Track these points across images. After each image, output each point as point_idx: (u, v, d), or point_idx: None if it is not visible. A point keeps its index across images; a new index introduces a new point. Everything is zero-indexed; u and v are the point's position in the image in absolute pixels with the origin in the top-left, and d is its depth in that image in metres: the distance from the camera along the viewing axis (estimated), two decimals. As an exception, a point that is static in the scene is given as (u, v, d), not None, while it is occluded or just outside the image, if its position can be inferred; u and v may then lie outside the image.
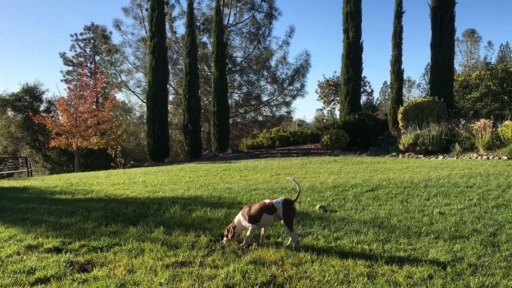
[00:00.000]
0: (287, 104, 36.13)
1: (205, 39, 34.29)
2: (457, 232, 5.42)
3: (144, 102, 30.24)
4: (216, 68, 23.64)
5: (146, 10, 29.24)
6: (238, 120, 37.14)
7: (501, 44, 74.94)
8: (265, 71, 35.24)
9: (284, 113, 37.41)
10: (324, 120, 41.45)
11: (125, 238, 5.38)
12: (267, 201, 5.16)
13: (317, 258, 4.61)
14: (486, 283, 3.89)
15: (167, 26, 31.04)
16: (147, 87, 23.39)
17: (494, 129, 15.85)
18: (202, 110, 30.29)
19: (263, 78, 35.69)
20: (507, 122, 15.68)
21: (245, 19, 34.59)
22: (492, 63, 32.74)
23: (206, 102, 33.31)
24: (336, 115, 40.62)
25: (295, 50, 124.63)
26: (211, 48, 26.19)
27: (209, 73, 31.60)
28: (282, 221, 5.03)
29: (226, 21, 33.49)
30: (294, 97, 35.45)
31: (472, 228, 5.60)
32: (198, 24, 33.04)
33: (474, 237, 5.21)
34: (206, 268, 4.34)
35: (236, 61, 35.32)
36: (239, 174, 12.25)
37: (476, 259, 4.50)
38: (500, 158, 13.89)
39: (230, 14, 34.08)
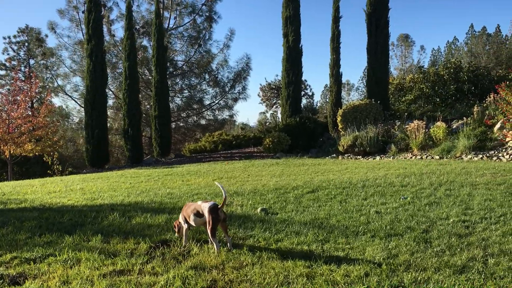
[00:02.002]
0: (230, 107, 36.21)
1: (145, 42, 33.77)
2: (392, 230, 5.62)
3: (82, 107, 29.32)
4: (157, 72, 23.32)
5: (83, 12, 28.37)
6: (181, 124, 36.78)
7: (433, 48, 78.65)
8: (206, 74, 35.14)
9: (227, 117, 37.46)
10: (267, 123, 41.85)
11: (60, 248, 5.18)
12: (199, 202, 5.17)
13: (258, 260, 4.64)
14: (419, 279, 4.05)
15: (105, 29, 30.26)
16: (85, 92, 22.72)
17: (427, 130, 16.58)
18: (144, 115, 29.76)
19: (204, 82, 35.58)
20: (438, 123, 16.45)
21: (186, 23, 34.38)
22: (424, 66, 34.25)
23: (148, 106, 32.74)
24: (278, 118, 41.05)
25: (236, 53, 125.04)
26: (151, 51, 25.81)
27: (150, 77, 31.09)
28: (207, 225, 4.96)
29: (167, 25, 33.13)
30: (236, 100, 35.59)
31: (406, 225, 5.82)
32: (137, 27, 32.47)
33: (408, 234, 5.42)
34: (145, 276, 4.26)
35: (177, 65, 35.00)
36: (181, 178, 12.13)
37: (410, 255, 4.68)
38: (432, 158, 14.54)
39: (170, 17, 33.78)
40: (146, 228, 6.04)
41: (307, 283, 4.01)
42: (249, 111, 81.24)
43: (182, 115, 36.01)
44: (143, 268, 4.47)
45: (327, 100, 33.47)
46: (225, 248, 5.01)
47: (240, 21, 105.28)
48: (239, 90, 35.41)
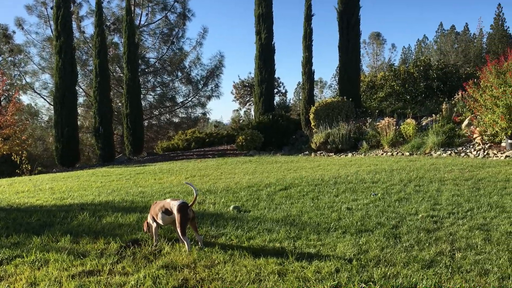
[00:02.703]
0: (203, 105, 36.02)
1: (116, 39, 33.26)
2: (363, 226, 5.69)
3: (51, 105, 28.72)
4: (128, 69, 23.02)
5: (51, 8, 27.75)
6: (153, 122, 36.42)
7: (404, 46, 79.79)
8: (179, 72, 34.87)
9: (200, 114, 37.26)
10: (241, 121, 41.77)
11: (28, 249, 5.08)
12: (168, 200, 5.13)
13: (230, 258, 4.64)
14: (388, 274, 4.11)
15: (75, 26, 29.73)
16: (54, 89, 22.26)
17: (397, 127, 16.84)
18: (115, 113, 29.35)
19: (177, 79, 35.31)
20: (408, 120, 16.72)
21: (158, 20, 34.00)
22: (395, 64, 34.79)
23: (119, 104, 32.27)
24: (252, 115, 41.09)
25: (209, 51, 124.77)
26: (122, 48, 25.46)
27: (121, 75, 30.64)
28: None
29: (138, 21, 32.72)
30: (209, 98, 35.42)
31: (377, 221, 5.91)
32: (108, 24, 31.95)
33: (378, 230, 5.50)
34: (115, 276, 4.21)
35: (149, 62, 34.63)
36: (153, 177, 12.02)
37: (380, 251, 4.75)
38: (403, 154, 14.78)
39: (142, 14, 33.36)
40: (116, 227, 5.97)
41: (278, 280, 4.03)
42: (223, 109, 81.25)
43: (154, 113, 35.66)
44: (113, 268, 4.42)
45: (300, 97, 33.71)
46: (196, 247, 4.99)
47: (213, 18, 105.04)
48: (212, 87, 35.26)
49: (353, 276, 4.08)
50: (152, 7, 33.60)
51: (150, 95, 35.34)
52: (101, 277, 4.18)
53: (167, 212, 5.03)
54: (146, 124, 33.49)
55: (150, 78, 35.10)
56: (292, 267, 4.33)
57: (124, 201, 8.01)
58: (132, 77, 23.02)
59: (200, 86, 35.18)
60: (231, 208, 7.00)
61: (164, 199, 7.91)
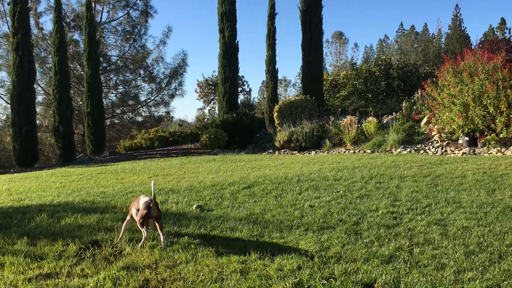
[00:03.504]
0: (166, 104, 35.62)
1: (76, 36, 32.47)
2: (325, 223, 5.76)
3: (9, 103, 27.78)
4: (89, 67, 22.53)
5: (8, 4, 26.84)
6: (116, 121, 35.78)
7: (366, 46, 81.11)
8: (142, 70, 34.36)
9: (163, 113, 36.84)
10: (205, 120, 41.55)
11: (-18, 253, 4.91)
12: (141, 197, 5.21)
13: (192, 258, 4.61)
14: (349, 270, 4.18)
15: (33, 22, 28.88)
16: (12, 87, 21.55)
17: (359, 125, 17.11)
18: (76, 111, 28.70)
19: (140, 78, 34.79)
20: (370, 119, 17.02)
21: (120, 17, 33.40)
22: (358, 64, 35.26)
23: (80, 102, 31.53)
24: (216, 114, 40.96)
25: (173, 49, 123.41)
26: (83, 46, 24.88)
27: (82, 72, 29.97)
28: None
29: (99, 18, 32.06)
30: (172, 96, 35.05)
31: (338, 218, 5.99)
32: (68, 20, 31.18)
33: (340, 227, 5.57)
34: (74, 278, 4.11)
35: (111, 60, 33.99)
36: (115, 177, 11.82)
37: (341, 247, 4.82)
38: (364, 152, 15.03)
39: (103, 11, 32.69)
40: (76, 228, 5.84)
41: (240, 279, 4.03)
42: (187, 108, 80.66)
43: (117, 111, 35.04)
44: (72, 271, 4.32)
45: (264, 96, 33.75)
46: (158, 247, 4.93)
47: (177, 16, 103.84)
48: (175, 86, 34.91)
49: (314, 273, 4.12)
50: (114, 4, 33.00)
51: (112, 93, 34.70)
52: (59, 280, 4.08)
53: (137, 207, 5.11)
54: (108, 123, 32.89)
55: (112, 76, 34.48)
56: (255, 265, 4.34)
57: (85, 201, 7.84)
58: (93, 75, 22.55)
59: (163, 85, 34.78)
60: (194, 207, 6.96)
61: (126, 199, 7.85)
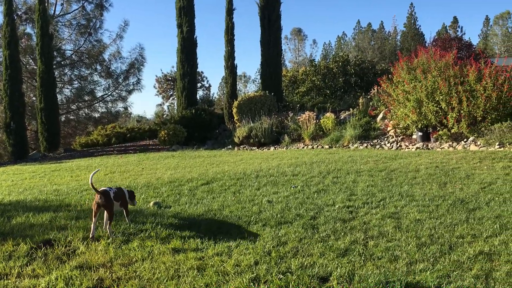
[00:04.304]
0: (124, 99, 34.95)
1: (29, 29, 31.36)
2: (283, 218, 5.80)
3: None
4: (42, 62, 21.83)
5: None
6: (71, 117, 34.82)
7: (324, 42, 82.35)
8: (98, 65, 33.55)
9: (121, 109, 36.15)
10: (165, 115, 41.07)
11: None
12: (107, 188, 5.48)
13: (149, 256, 4.55)
14: (305, 264, 4.22)
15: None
16: (-41, 82, 20.68)
17: (317, 120, 17.31)
18: (29, 107, 27.75)
19: (96, 73, 33.96)
20: (328, 114, 17.25)
21: (74, 10, 32.48)
22: (316, 60, 35.70)
23: (34, 98, 30.55)
24: (175, 110, 40.57)
25: (130, 44, 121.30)
26: (35, 39, 24.08)
27: (35, 67, 28.99)
28: None
29: (53, 11, 31.10)
30: (130, 92, 34.43)
31: (296, 213, 6.04)
32: (19, 13, 30.09)
33: (297, 222, 5.62)
34: (24, 279, 3.98)
35: (65, 54, 33.04)
36: (70, 174, 11.53)
37: (298, 242, 4.87)
38: (323, 147, 15.23)
39: (56, 3, 31.70)
40: (27, 228, 5.65)
41: (197, 276, 4.01)
42: (146, 104, 79.47)
43: (72, 107, 34.12)
44: (22, 271, 4.18)
45: (224, 92, 33.61)
46: (113, 245, 4.85)
47: (134, 10, 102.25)
48: (133, 81, 34.29)
49: (271, 267, 4.14)
50: (68, -3, 32.07)
51: (67, 88, 33.76)
52: (9, 281, 3.94)
53: None
54: (63, 119, 32.00)
55: (67, 71, 33.52)
56: (212, 262, 4.33)
57: (37, 200, 7.60)
58: (46, 69, 21.87)
59: (120, 80, 34.10)
60: (151, 204, 6.87)
61: (81, 197, 7.69)
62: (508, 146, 11.23)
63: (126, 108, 36.46)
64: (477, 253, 4.34)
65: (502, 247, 4.51)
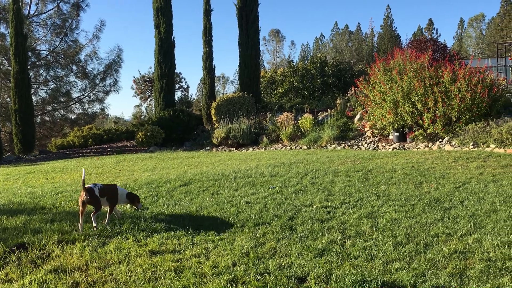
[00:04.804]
0: (101, 100, 34.52)
1: (3, 29, 30.72)
2: (261, 219, 5.80)
3: None
4: (16, 62, 21.42)
5: None
6: (47, 118, 34.24)
7: (303, 44, 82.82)
8: (74, 65, 33.07)
9: (98, 110, 35.70)
10: (143, 117, 40.70)
11: None
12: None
13: (125, 258, 4.50)
14: (283, 264, 4.23)
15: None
16: None
17: (295, 121, 17.39)
18: (3, 108, 27.27)
19: (72, 74, 33.46)
20: (306, 115, 17.34)
21: (50, 10, 31.96)
22: (295, 61, 35.88)
23: (8, 99, 29.98)
24: (153, 111, 40.23)
25: (107, 44, 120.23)
26: (9, 39, 23.62)
27: (9, 67, 28.46)
28: None
29: (27, 11, 30.56)
30: (107, 93, 34.03)
31: (274, 214, 6.05)
32: (-8, 12, 29.52)
33: (275, 222, 5.63)
34: (-3, 284, 3.91)
35: (41, 55, 32.48)
36: (45, 176, 11.34)
37: (276, 242, 4.87)
38: (301, 148, 15.30)
39: (31, 3, 31.14)
40: (0, 231, 5.53)
41: (174, 278, 3.98)
42: (124, 105, 78.74)
43: (47, 108, 33.55)
44: (-5, 276, 4.09)
45: (202, 93, 33.38)
46: (88, 248, 4.78)
47: (111, 11, 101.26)
48: (110, 82, 33.90)
49: (249, 268, 4.14)
50: (43, -4, 31.56)
51: (43, 89, 33.20)
52: (-19, 286, 3.86)
53: None
54: (38, 120, 31.48)
55: (42, 71, 32.95)
56: (190, 263, 4.30)
57: (11, 203, 7.45)
58: (20, 70, 21.47)
59: (97, 81, 33.68)
60: (128, 206, 6.79)
61: (56, 199, 7.57)
62: (482, 146, 11.45)
63: (103, 109, 36.03)
64: (452, 252, 4.41)
65: (476, 245, 4.59)
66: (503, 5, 57.82)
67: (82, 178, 5.69)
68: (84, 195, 5.44)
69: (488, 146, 11.24)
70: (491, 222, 5.34)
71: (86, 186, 5.58)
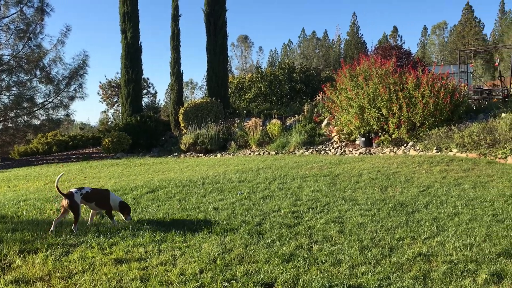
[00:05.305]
0: (66, 106, 33.64)
1: (-38, 33, 29.82)
2: (228, 225, 5.78)
3: None
4: (-23, 67, 20.84)
5: None
6: (9, 124, 33.18)
7: (271, 50, 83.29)
8: (38, 71, 32.13)
9: (63, 116, 34.78)
10: (110, 123, 40.12)
11: None
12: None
13: (90, 267, 4.41)
14: (250, 270, 4.22)
15: None
16: None
17: (264, 127, 17.44)
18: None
19: (36, 79, 32.53)
20: (274, 121, 17.42)
21: (12, 14, 31.01)
22: (263, 67, 36.03)
23: (-33, 105, 29.06)
24: (120, 117, 39.67)
25: (73, 49, 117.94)
26: (-31, 43, 22.92)
27: (-31, 72, 27.65)
28: None
29: (-11, 15, 29.71)
30: (72, 99, 33.18)
31: (242, 219, 6.04)
32: (-48, 16, 28.55)
33: (243, 228, 5.62)
34: (-46, 297, 3.77)
35: (3, 60, 31.52)
36: (7, 184, 11.02)
37: (243, 248, 4.86)
38: (269, 153, 15.35)
39: (-7, 6, 30.32)
40: (-41, 242, 5.34)
41: (141, 286, 3.93)
42: (91, 111, 77.28)
43: (10, 114, 32.53)
44: (-48, 289, 3.95)
45: (170, 98, 33.05)
46: (51, 257, 4.66)
47: (77, 15, 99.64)
48: (75, 88, 33.06)
49: (216, 275, 4.11)
50: (5, 0, 30.75)
51: (5, 95, 32.18)
52: None
53: None
54: (0, 127, 30.55)
55: (4, 76, 31.97)
56: (156, 271, 4.25)
57: (-30, 212, 7.21)
58: (-19, 75, 20.88)
59: (62, 86, 32.85)
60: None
61: (18, 207, 7.38)
62: (445, 150, 11.73)
63: (68, 116, 35.15)
64: (416, 255, 4.49)
65: (439, 248, 4.69)
66: (464, 13, 59.75)
67: (56, 184, 5.79)
68: (64, 200, 5.65)
69: (451, 151, 11.52)
70: (454, 225, 5.47)
71: (68, 191, 5.77)
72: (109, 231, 5.60)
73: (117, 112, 41.09)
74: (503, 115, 12.55)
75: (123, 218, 6.10)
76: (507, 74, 19.81)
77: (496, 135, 11.15)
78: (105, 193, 6.10)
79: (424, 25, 77.23)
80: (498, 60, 25.85)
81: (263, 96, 24.96)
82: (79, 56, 33.03)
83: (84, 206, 6.12)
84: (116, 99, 38.73)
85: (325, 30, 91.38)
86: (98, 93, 38.93)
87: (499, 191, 7.16)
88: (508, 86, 16.84)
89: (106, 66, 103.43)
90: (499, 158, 10.17)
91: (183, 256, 4.67)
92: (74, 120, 39.70)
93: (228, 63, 24.38)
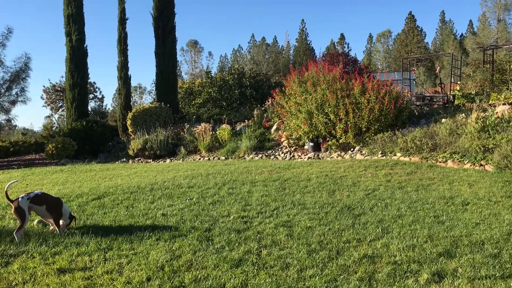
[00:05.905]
0: (7, 111, 32.29)
1: None
2: (177, 232, 5.71)
3: None
4: None
5: None
6: None
7: (221, 55, 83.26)
8: (-23, 74, 30.89)
9: (4, 121, 33.42)
10: (54, 128, 38.78)
11: None
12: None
13: (31, 278, 4.24)
14: (199, 276, 4.19)
15: None
16: None
17: (214, 132, 17.39)
18: None
19: (-25, 82, 31.22)
20: (224, 126, 17.40)
21: None
22: (213, 72, 35.97)
23: None
24: (66, 122, 38.41)
25: (15, 52, 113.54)
26: None
27: None
28: None
29: None
30: (14, 103, 31.89)
31: (191, 225, 5.98)
32: None
33: (192, 234, 5.57)
34: None
35: None
36: None
37: (192, 255, 4.82)
38: (219, 158, 15.30)
39: None
40: None
41: (85, 296, 3.81)
42: (34, 115, 74.55)
43: None
44: None
45: (118, 103, 32.37)
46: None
47: (19, 18, 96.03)
48: (17, 92, 31.84)
49: (164, 283, 4.05)
50: None
51: None
52: None
53: None
54: None
55: None
56: (101, 281, 4.14)
57: None
58: None
59: (3, 90, 31.59)
60: (35, 222, 6.42)
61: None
62: (389, 154, 12.09)
63: (9, 121, 33.75)
64: (362, 257, 4.60)
65: (384, 249, 4.82)
66: (407, 22, 62.01)
67: (5, 189, 5.82)
68: (13, 205, 5.63)
69: (395, 155, 11.89)
70: (398, 226, 5.64)
71: (18, 196, 5.74)
72: (52, 240, 5.41)
73: (62, 117, 39.80)
74: (444, 120, 13.09)
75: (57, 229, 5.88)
76: (447, 81, 20.65)
77: (437, 140, 11.62)
78: (59, 200, 6.03)
79: (370, 33, 79.43)
80: (438, 67, 26.93)
81: (213, 101, 24.90)
82: (21, 59, 31.78)
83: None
84: (61, 104, 37.51)
85: (275, 36, 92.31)
86: (41, 97, 37.55)
87: (440, 193, 7.46)
88: (448, 93, 17.58)
89: (51, 70, 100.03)
90: (440, 162, 10.60)
91: (130, 264, 4.57)
92: (16, 125, 38.16)
93: (178, 68, 24.18)
